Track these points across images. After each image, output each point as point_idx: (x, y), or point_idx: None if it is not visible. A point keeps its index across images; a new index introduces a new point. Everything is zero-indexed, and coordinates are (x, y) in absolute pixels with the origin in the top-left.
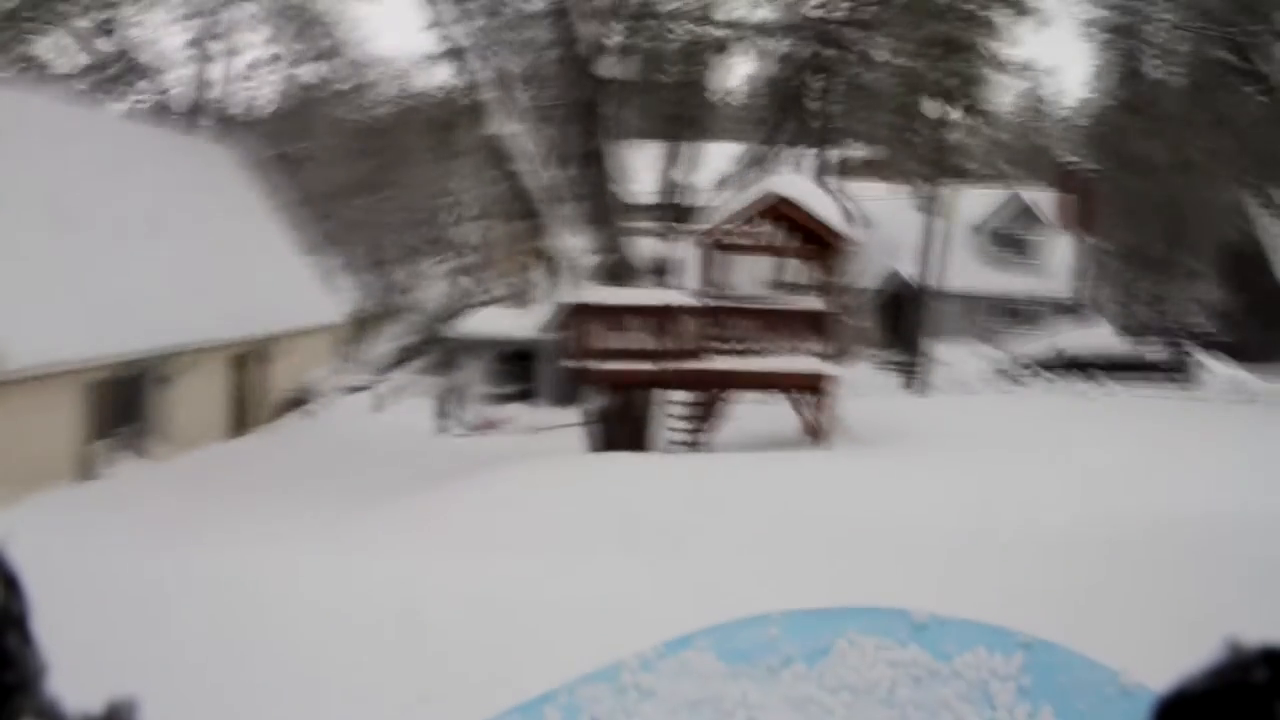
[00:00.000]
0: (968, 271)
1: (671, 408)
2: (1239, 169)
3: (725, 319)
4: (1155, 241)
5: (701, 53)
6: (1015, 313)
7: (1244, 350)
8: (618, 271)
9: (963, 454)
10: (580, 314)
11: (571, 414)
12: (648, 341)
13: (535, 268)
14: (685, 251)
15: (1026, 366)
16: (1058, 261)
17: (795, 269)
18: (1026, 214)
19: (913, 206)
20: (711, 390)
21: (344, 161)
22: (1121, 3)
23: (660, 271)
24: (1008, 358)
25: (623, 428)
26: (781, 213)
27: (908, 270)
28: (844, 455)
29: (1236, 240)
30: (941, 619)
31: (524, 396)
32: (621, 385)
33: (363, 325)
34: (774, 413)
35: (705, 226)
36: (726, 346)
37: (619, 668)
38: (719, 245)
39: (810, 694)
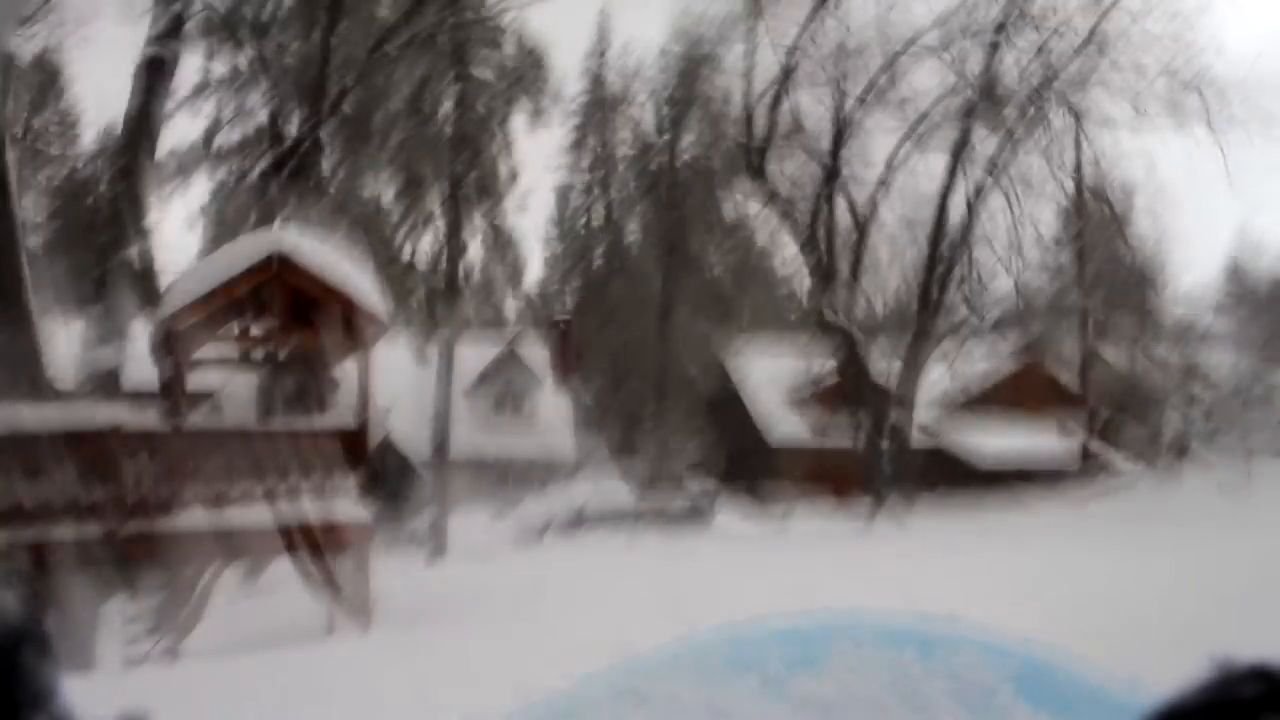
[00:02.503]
0: (467, 431)
1: (126, 594)
2: (707, 316)
3: (203, 448)
4: (645, 391)
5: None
6: (522, 474)
7: (744, 487)
8: (32, 386)
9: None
10: None
11: None
12: (76, 492)
13: None
14: (140, 350)
15: (544, 528)
16: (558, 418)
17: (306, 365)
18: (523, 370)
19: (406, 358)
20: (185, 563)
21: None
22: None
23: (106, 381)
24: (522, 520)
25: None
26: (282, 282)
27: (400, 429)
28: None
29: (718, 385)
30: (941, 625)
31: None
32: (38, 564)
33: None
34: (285, 585)
35: (167, 311)
36: (206, 491)
37: (617, 670)
38: (188, 337)
39: (810, 698)
